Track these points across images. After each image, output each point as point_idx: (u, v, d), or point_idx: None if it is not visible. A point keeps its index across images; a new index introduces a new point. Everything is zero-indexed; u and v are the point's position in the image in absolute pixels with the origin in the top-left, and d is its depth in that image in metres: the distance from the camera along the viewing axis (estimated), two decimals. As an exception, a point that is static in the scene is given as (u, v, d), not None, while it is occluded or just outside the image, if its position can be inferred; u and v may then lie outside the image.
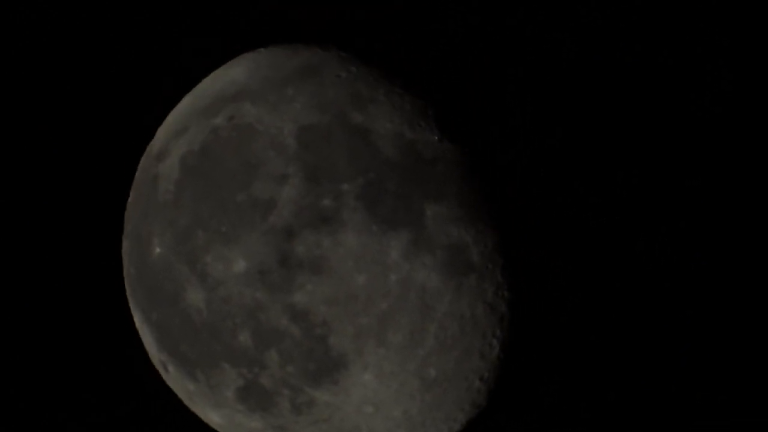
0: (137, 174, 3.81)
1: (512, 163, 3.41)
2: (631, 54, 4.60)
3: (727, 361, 4.71)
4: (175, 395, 3.87)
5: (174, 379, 3.71)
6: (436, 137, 3.32)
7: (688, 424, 4.66)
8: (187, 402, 3.80)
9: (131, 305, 3.82)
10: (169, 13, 4.78)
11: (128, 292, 3.81)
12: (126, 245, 3.76)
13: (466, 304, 3.31)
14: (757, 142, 4.70)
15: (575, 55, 4.19)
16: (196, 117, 3.57)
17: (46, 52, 4.86)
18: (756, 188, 4.70)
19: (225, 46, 3.99)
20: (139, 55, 4.79)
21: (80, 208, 4.87)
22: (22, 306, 4.83)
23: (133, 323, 3.86)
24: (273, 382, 3.38)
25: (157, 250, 3.50)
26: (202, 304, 3.38)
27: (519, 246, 3.38)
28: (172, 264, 3.44)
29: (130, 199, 3.80)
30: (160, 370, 3.80)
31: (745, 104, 4.70)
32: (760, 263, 4.70)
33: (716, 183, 4.70)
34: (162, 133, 3.74)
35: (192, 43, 4.67)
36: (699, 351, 4.69)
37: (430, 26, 3.62)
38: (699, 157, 4.68)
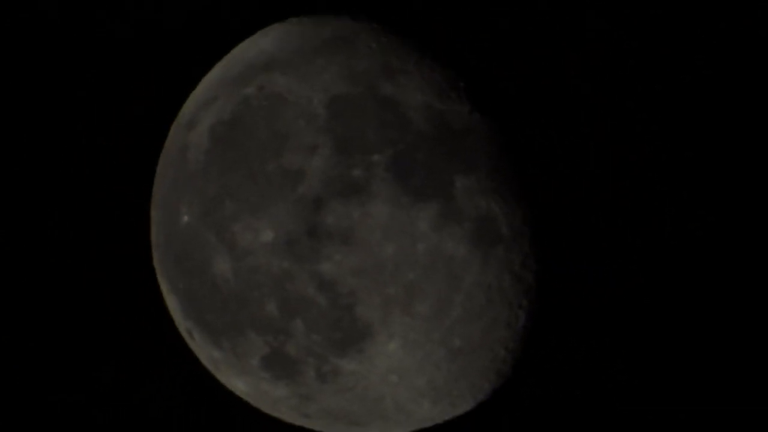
0: (166, 142, 3.82)
1: (541, 135, 3.43)
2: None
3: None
4: (199, 362, 3.89)
5: (199, 346, 3.73)
6: (467, 109, 3.34)
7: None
8: (211, 369, 3.82)
9: (158, 273, 3.83)
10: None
11: (155, 261, 3.83)
12: (154, 214, 3.77)
13: (493, 275, 3.33)
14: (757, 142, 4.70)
15: (612, 28, 4.19)
16: (226, 86, 3.57)
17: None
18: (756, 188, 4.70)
19: (255, 17, 3.99)
20: (168, 23, 4.80)
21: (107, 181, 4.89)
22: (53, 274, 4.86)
23: (159, 291, 3.88)
24: (298, 350, 3.40)
25: (185, 219, 3.52)
26: (229, 274, 3.39)
27: (547, 217, 3.40)
28: (199, 233, 3.46)
29: (158, 168, 3.81)
30: (185, 337, 3.82)
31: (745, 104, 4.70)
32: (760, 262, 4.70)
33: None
34: (191, 102, 3.75)
35: (222, 13, 4.67)
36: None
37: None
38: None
